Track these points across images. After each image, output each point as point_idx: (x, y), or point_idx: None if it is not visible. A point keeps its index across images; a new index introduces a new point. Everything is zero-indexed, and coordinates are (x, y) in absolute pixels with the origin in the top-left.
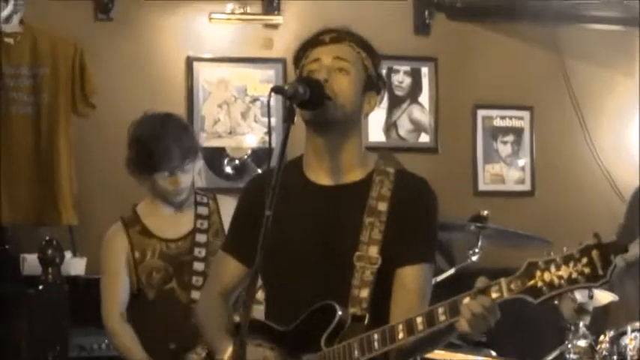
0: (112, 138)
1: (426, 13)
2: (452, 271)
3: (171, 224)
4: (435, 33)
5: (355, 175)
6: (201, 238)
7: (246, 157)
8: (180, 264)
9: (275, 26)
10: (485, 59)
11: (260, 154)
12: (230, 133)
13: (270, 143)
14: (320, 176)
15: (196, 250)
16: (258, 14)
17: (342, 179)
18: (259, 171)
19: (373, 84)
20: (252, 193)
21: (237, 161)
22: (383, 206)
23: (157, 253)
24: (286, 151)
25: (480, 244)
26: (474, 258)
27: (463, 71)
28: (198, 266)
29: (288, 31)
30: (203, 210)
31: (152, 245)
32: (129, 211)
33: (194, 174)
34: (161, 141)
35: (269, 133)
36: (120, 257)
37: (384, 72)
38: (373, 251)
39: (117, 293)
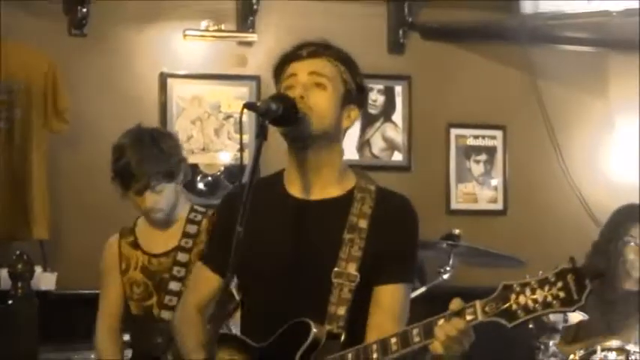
0: (85, 154)
1: (400, 32)
2: (423, 289)
3: (158, 239)
4: (409, 52)
5: (335, 191)
6: (182, 257)
7: (219, 173)
8: (160, 281)
9: (249, 44)
10: (460, 79)
11: (233, 171)
12: (203, 149)
13: (242, 160)
14: (300, 190)
15: (175, 269)
16: (233, 31)
17: (323, 194)
18: (231, 187)
19: (352, 97)
20: (233, 204)
21: (209, 178)
22: (363, 223)
23: (139, 266)
24: (258, 168)
25: (451, 262)
26: (446, 276)
27: (437, 90)
28: (174, 286)
29: (262, 49)
30: (192, 228)
31: (136, 257)
32: (131, 223)
33: (174, 195)
34: (129, 158)
35: (241, 149)
36: (111, 267)
37: None
38: (352, 268)
39: (107, 304)
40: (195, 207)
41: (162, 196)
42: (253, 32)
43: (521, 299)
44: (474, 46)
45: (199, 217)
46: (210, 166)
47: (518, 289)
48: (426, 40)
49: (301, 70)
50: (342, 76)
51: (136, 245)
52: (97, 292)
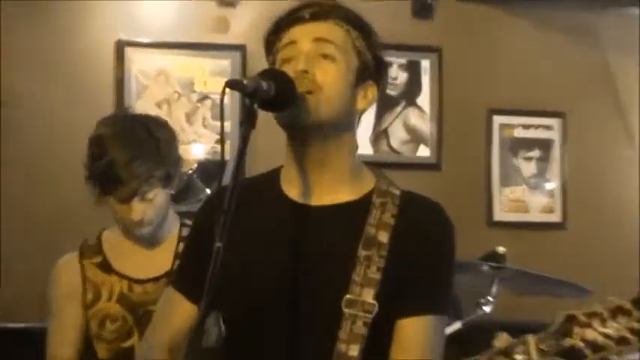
0: (22, 143)
1: None
2: (458, 324)
3: (141, 260)
4: (439, 16)
5: (348, 195)
6: None
7: (190, 171)
8: (144, 315)
9: (231, 3)
10: (504, 51)
11: (209, 168)
12: None
13: (223, 154)
14: (301, 193)
15: None
16: None
17: (331, 198)
18: (208, 191)
19: (369, 72)
20: (211, 215)
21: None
22: (384, 237)
23: (116, 295)
24: (244, 165)
25: (494, 290)
26: (487, 308)
27: (475, 66)
28: None
29: (248, 10)
30: None
31: (110, 283)
32: (94, 237)
33: (166, 204)
34: (115, 156)
35: (222, 140)
36: (68, 297)
37: None
38: (368, 295)
39: (59, 347)
40: (185, 221)
41: (153, 205)
42: None
43: (589, 334)
44: (524, 9)
45: None
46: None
47: (583, 320)
48: (461, 0)
49: (303, 36)
50: (354, 43)
51: (107, 267)
52: (41, 326)
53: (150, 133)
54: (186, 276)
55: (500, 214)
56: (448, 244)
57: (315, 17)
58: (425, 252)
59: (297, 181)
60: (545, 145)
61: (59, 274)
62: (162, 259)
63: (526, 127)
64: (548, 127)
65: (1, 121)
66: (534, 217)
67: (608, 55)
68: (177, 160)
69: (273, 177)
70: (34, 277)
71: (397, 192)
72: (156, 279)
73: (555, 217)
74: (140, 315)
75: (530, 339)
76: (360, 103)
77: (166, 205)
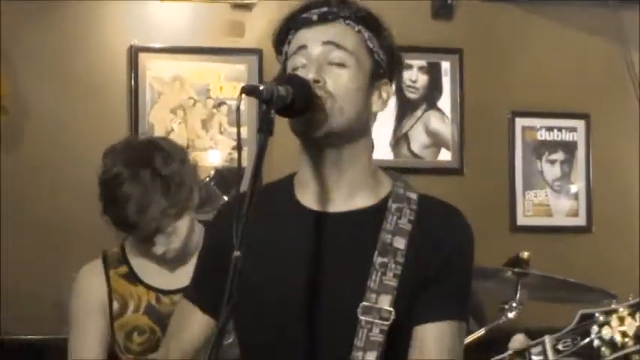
0: (31, 153)
1: None
2: (481, 332)
3: (167, 270)
4: (459, 17)
5: (364, 200)
6: None
7: (208, 179)
8: None
9: (247, 6)
10: (526, 51)
11: (226, 176)
12: (187, 147)
13: (239, 161)
14: (316, 201)
15: None
16: None
17: (347, 205)
18: (226, 199)
19: (382, 70)
20: (228, 222)
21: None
22: (400, 243)
23: (143, 306)
24: (262, 171)
25: (518, 296)
26: (511, 314)
27: (496, 67)
28: None
29: (264, 13)
30: None
31: (137, 295)
32: (116, 246)
33: (189, 227)
34: (125, 204)
35: (238, 147)
36: (93, 308)
37: None
38: (385, 302)
39: (83, 357)
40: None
41: (176, 235)
42: None
43: (606, 332)
44: (546, 8)
45: None
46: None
47: (601, 319)
48: (482, 0)
49: (312, 41)
50: (366, 44)
51: (133, 278)
52: (43, 337)
53: (156, 173)
54: (199, 287)
55: (523, 219)
56: (466, 249)
57: (323, 19)
58: (443, 257)
59: (312, 188)
60: (569, 147)
61: (83, 284)
62: (189, 270)
63: (549, 129)
64: (571, 129)
65: (8, 129)
66: (558, 221)
67: (632, 53)
68: (192, 187)
69: (286, 184)
70: (37, 287)
71: (414, 196)
72: (183, 289)
73: (580, 221)
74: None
75: (547, 339)
76: (375, 105)
77: (190, 229)
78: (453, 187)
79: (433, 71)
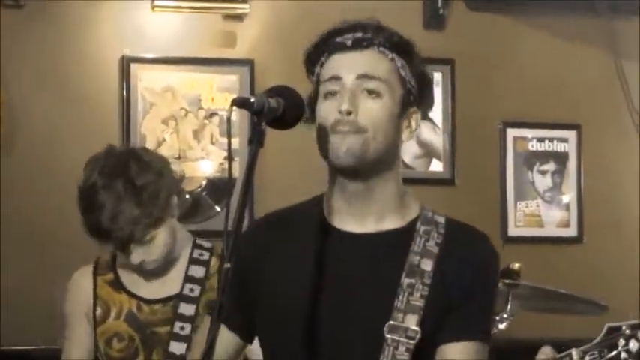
0: (23, 162)
1: (440, 1)
2: None
3: (150, 279)
4: (451, 27)
5: (393, 223)
6: (187, 308)
7: (199, 189)
8: (151, 335)
9: (239, 17)
10: (518, 62)
11: (218, 186)
12: (179, 157)
13: (230, 172)
14: (346, 221)
15: (177, 325)
16: (217, 1)
17: (376, 226)
18: (217, 209)
19: (413, 98)
20: (256, 241)
21: (187, 195)
22: (427, 265)
23: (124, 313)
24: (252, 182)
25: (509, 307)
26: (502, 325)
27: (488, 77)
28: (176, 347)
29: (255, 24)
30: (197, 270)
31: (120, 302)
32: (109, 253)
33: (169, 235)
34: (99, 212)
35: (229, 157)
36: (79, 311)
37: None
38: (411, 321)
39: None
40: (199, 241)
41: (154, 244)
42: (244, 2)
43: (633, 345)
44: (538, 18)
45: (206, 255)
46: (187, 179)
47: (628, 331)
48: (474, 10)
49: (346, 72)
50: (399, 72)
51: (118, 285)
52: (43, 347)
53: (130, 182)
54: (225, 306)
55: (514, 229)
56: (492, 272)
57: (358, 45)
58: (468, 280)
59: (341, 210)
60: (560, 158)
61: (73, 288)
62: (172, 281)
63: (540, 139)
64: (563, 140)
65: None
66: (550, 231)
67: (623, 64)
68: (169, 196)
69: (316, 204)
70: (30, 300)
71: (442, 220)
72: (164, 300)
73: (571, 232)
74: (147, 335)
75: (574, 351)
76: (404, 133)
77: (170, 235)
78: (444, 198)
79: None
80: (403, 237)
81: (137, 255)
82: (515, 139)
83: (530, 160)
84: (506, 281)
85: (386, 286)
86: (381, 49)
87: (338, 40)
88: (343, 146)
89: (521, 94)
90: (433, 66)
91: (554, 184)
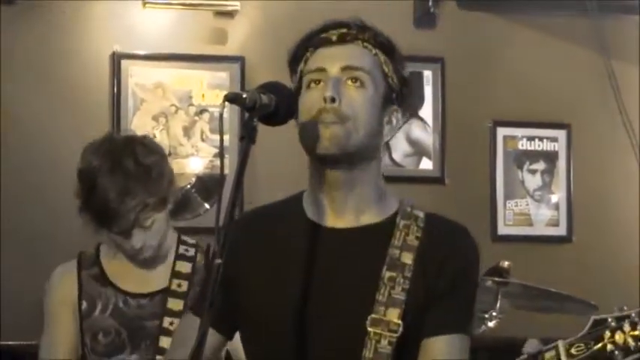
0: (13, 159)
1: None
2: None
3: (138, 275)
4: (441, 26)
5: (373, 217)
6: (175, 304)
7: (189, 186)
8: (138, 330)
9: (230, 14)
10: (508, 61)
11: (208, 183)
12: (169, 154)
13: (222, 168)
14: (326, 216)
15: (167, 320)
16: None
17: (356, 221)
18: (207, 206)
19: (395, 96)
20: (240, 238)
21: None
22: (408, 258)
23: (110, 307)
24: (243, 180)
25: (499, 305)
26: (491, 323)
27: (478, 76)
28: (166, 342)
29: (246, 21)
30: (184, 266)
31: (105, 296)
32: (92, 248)
33: (165, 225)
34: (107, 192)
35: (221, 154)
36: (63, 305)
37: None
38: (393, 315)
39: (53, 355)
40: (183, 237)
41: (152, 231)
42: None
43: (619, 337)
44: (528, 17)
45: (191, 251)
46: (177, 176)
47: (613, 324)
48: (464, 9)
49: (331, 61)
50: (382, 67)
51: (103, 280)
52: (25, 343)
53: (138, 162)
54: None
55: (504, 228)
56: (472, 265)
57: (342, 40)
58: (449, 273)
59: (321, 204)
60: (550, 157)
61: (56, 283)
62: (159, 276)
63: (530, 138)
64: (553, 139)
65: None
66: (539, 230)
67: (613, 63)
68: (171, 181)
69: (296, 201)
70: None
71: (421, 214)
72: (151, 294)
73: (561, 231)
74: (134, 330)
75: (561, 344)
76: (385, 129)
77: (166, 227)
78: (434, 196)
79: (415, 80)
80: (383, 231)
81: (139, 239)
82: (505, 137)
83: (520, 158)
84: (496, 279)
85: (367, 281)
86: (365, 44)
87: (323, 35)
88: (326, 135)
89: (511, 92)
90: (423, 64)
91: (543, 183)
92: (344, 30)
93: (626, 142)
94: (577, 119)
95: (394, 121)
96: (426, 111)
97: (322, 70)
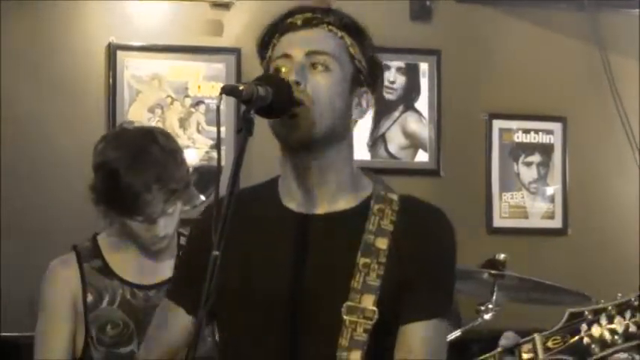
0: (7, 155)
1: None
2: (457, 333)
3: (143, 266)
4: (437, 18)
5: (346, 202)
6: None
7: None
8: (146, 321)
9: (226, 5)
10: (504, 53)
11: (205, 176)
12: None
13: (219, 160)
14: (300, 203)
15: None
16: None
17: (330, 207)
18: (203, 198)
19: (364, 78)
20: (207, 225)
21: None
22: (382, 243)
23: (118, 299)
24: (240, 172)
25: (494, 297)
26: (487, 316)
27: (474, 69)
28: None
29: (242, 12)
30: None
31: (112, 288)
32: (86, 241)
33: (178, 215)
34: (137, 178)
35: (218, 146)
36: (64, 297)
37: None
38: (368, 302)
39: (50, 353)
40: (180, 230)
41: (173, 218)
42: None
43: (595, 330)
44: (524, 10)
45: None
46: None
47: (590, 317)
48: (461, 2)
49: (296, 46)
50: (348, 50)
51: (108, 272)
52: (20, 335)
53: (163, 148)
54: (182, 287)
55: (500, 221)
56: (449, 248)
57: (307, 24)
58: (425, 256)
59: (294, 191)
60: (545, 149)
61: (57, 275)
62: (163, 266)
63: (526, 131)
64: (548, 132)
65: None
66: (535, 223)
67: (609, 56)
68: (189, 168)
69: (270, 187)
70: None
71: (395, 197)
72: (158, 285)
73: (556, 223)
74: (142, 321)
75: (537, 337)
76: (354, 113)
77: (179, 214)
78: (429, 189)
79: (411, 72)
80: (357, 216)
81: (163, 227)
82: (501, 130)
83: (516, 151)
84: (492, 272)
85: (342, 267)
86: (330, 27)
87: (289, 20)
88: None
89: (507, 85)
90: (420, 57)
91: (539, 175)
92: (309, 14)
93: (621, 134)
94: (573, 112)
95: (364, 103)
96: (422, 103)
97: (287, 56)
